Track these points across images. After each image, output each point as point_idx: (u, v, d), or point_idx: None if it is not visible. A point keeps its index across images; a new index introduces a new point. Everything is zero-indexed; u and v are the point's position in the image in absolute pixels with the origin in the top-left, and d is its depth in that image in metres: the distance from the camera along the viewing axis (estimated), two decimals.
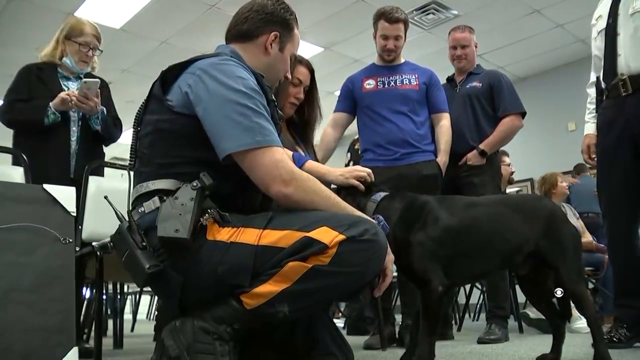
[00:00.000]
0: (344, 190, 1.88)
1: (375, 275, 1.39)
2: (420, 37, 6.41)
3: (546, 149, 6.96)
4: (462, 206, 1.81)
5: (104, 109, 2.78)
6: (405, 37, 3.05)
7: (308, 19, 5.62)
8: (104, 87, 2.91)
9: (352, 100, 3.09)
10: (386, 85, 3.01)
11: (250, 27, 1.59)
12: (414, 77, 3.03)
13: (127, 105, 8.14)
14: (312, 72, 2.33)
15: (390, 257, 1.40)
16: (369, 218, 1.37)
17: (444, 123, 3.02)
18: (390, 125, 2.93)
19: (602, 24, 2.57)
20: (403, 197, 1.82)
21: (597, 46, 2.64)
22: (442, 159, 2.95)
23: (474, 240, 1.77)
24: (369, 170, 1.95)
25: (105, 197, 1.44)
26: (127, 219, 1.38)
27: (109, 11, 5.62)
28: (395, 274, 1.83)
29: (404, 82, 3.01)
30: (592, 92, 2.73)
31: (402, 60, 3.12)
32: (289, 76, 1.75)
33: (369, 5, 5.64)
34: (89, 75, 2.86)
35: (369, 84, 3.04)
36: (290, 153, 2.01)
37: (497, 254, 1.81)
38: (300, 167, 1.99)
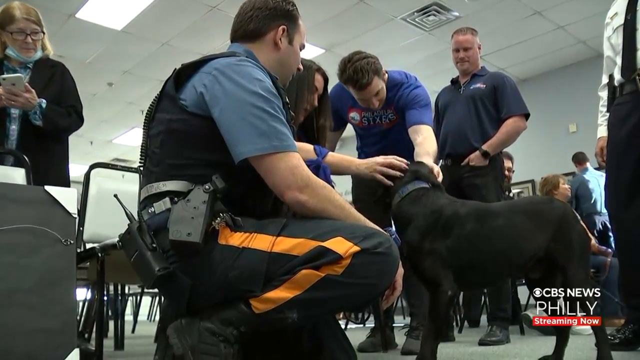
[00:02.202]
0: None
1: (386, 288, 1.39)
2: (421, 38, 6.41)
3: (547, 151, 6.96)
4: (480, 215, 1.81)
5: (43, 101, 2.52)
6: (382, 79, 2.62)
7: (309, 20, 5.60)
8: (62, 72, 2.75)
9: (337, 118, 2.83)
10: (371, 122, 2.82)
11: (256, 26, 1.58)
12: (391, 111, 2.74)
13: (129, 107, 8.22)
14: (326, 80, 2.32)
15: (401, 270, 1.39)
16: (382, 230, 1.36)
17: (428, 135, 2.52)
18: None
19: (619, 20, 2.52)
20: (429, 196, 1.83)
21: (613, 44, 2.58)
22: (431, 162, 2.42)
23: (488, 250, 1.78)
24: (392, 161, 1.93)
25: (115, 196, 1.43)
26: (136, 218, 1.37)
27: (110, 13, 5.62)
28: None
29: (388, 119, 2.77)
30: (604, 94, 2.68)
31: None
32: (301, 67, 1.74)
33: (370, 7, 5.65)
34: (42, 61, 2.69)
35: (354, 118, 2.86)
36: (311, 147, 2.00)
37: (510, 264, 1.83)
38: (322, 158, 1.98)
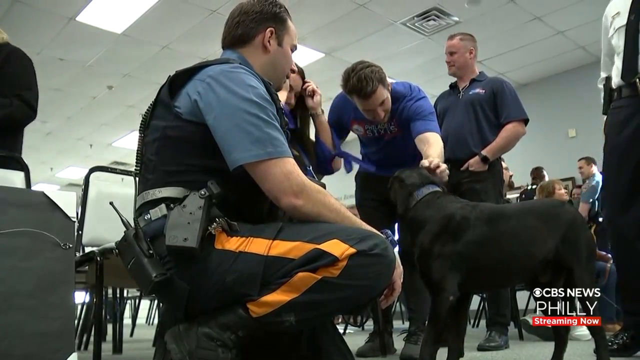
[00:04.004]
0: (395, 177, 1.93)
1: (383, 290, 1.39)
2: (420, 43, 6.42)
3: (546, 156, 6.96)
4: (491, 218, 1.82)
5: None
6: (387, 89, 2.56)
7: (309, 24, 5.63)
8: (5, 57, 2.51)
9: (339, 128, 2.84)
10: (375, 134, 2.78)
11: (244, 31, 1.59)
12: (392, 124, 2.69)
13: (129, 110, 8.23)
14: (303, 78, 2.31)
15: (399, 270, 1.40)
16: (378, 232, 1.37)
17: (435, 141, 2.47)
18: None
19: (621, 21, 2.47)
20: (442, 200, 1.86)
21: (613, 45, 2.54)
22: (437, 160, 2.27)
23: (498, 254, 1.79)
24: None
25: (111, 203, 1.43)
26: (132, 225, 1.37)
27: (110, 16, 5.63)
28: None
29: (390, 131, 2.73)
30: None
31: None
32: (295, 68, 1.75)
33: (370, 11, 5.65)
34: None
35: (357, 129, 2.84)
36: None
37: (520, 267, 1.84)
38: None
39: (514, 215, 1.88)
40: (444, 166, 2.10)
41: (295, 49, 1.71)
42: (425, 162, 2.08)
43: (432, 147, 2.39)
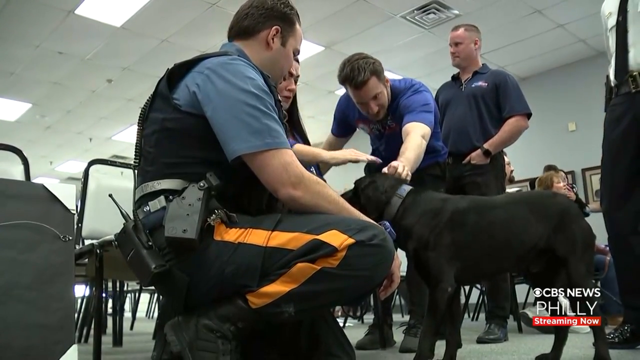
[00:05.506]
0: (368, 181, 1.87)
1: (382, 281, 1.40)
2: (420, 36, 6.40)
3: (546, 149, 6.95)
4: (482, 208, 1.84)
5: None
6: (383, 84, 2.56)
7: (309, 17, 5.62)
8: None
9: (346, 125, 2.91)
10: (381, 131, 2.78)
11: (250, 23, 1.59)
12: (390, 119, 2.70)
13: (128, 104, 8.22)
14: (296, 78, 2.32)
15: (397, 262, 1.40)
16: (376, 223, 1.37)
17: (411, 135, 2.36)
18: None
19: (612, 21, 2.54)
20: (427, 195, 1.86)
21: (610, 44, 2.60)
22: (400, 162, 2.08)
23: (492, 243, 1.80)
24: (365, 157, 1.99)
25: (110, 195, 1.44)
26: (132, 217, 1.37)
27: (109, 9, 5.60)
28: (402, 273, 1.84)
29: (389, 126, 2.73)
30: None
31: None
32: (294, 72, 1.75)
33: (369, 4, 5.64)
34: None
35: (363, 128, 2.85)
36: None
37: (513, 255, 1.84)
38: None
39: (500, 204, 1.90)
40: (405, 172, 1.97)
41: (298, 53, 1.72)
42: (394, 165, 1.98)
43: (406, 148, 2.25)
